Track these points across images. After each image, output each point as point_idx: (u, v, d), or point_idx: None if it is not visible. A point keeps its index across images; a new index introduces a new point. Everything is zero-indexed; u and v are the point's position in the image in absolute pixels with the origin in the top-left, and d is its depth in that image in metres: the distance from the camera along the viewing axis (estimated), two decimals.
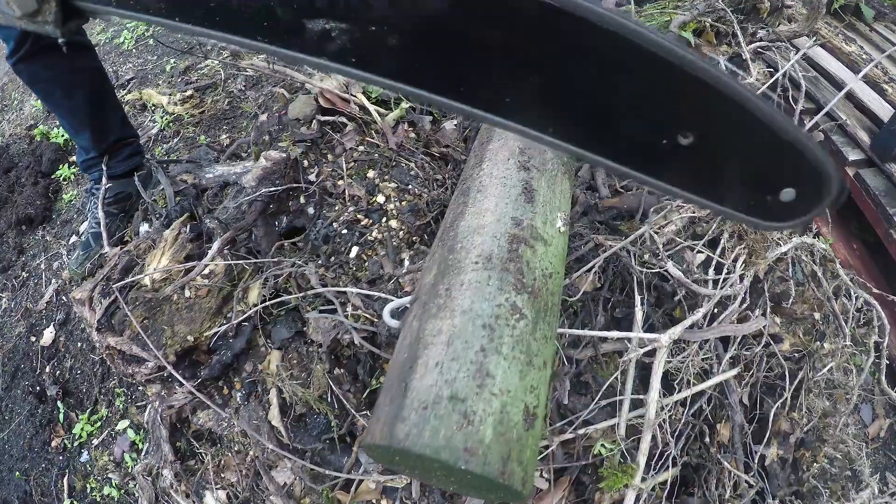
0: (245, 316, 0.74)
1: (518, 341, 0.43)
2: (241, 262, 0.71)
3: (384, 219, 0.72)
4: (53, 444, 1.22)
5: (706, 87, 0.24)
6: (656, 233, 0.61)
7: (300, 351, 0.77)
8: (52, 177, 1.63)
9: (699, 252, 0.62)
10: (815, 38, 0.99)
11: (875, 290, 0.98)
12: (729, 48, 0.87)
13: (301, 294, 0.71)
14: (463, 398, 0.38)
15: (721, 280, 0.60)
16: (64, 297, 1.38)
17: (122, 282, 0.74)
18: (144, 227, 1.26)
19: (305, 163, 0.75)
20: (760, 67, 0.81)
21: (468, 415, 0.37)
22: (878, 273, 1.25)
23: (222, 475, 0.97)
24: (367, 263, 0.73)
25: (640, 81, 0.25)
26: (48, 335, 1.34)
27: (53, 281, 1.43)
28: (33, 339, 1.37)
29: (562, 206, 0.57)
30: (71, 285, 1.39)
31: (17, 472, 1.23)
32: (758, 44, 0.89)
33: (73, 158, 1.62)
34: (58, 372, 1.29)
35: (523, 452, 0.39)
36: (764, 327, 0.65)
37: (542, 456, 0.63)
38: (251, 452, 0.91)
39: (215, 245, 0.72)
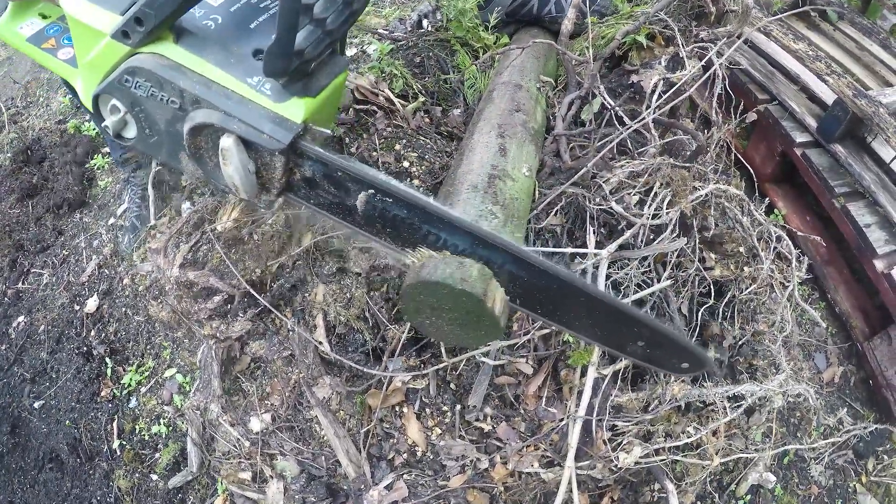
0: (299, 250, 1.10)
1: (493, 230, 0.80)
2: (297, 212, 1.08)
3: (409, 178, 1.09)
4: (102, 394, 1.55)
5: (648, 326, 0.70)
6: (604, 182, 0.97)
7: (342, 283, 1.13)
8: (87, 166, 2.00)
9: (635, 195, 0.98)
10: (743, 38, 1.38)
11: (801, 234, 1.36)
12: (673, 48, 1.27)
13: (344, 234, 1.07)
14: None
15: (651, 213, 0.96)
16: (106, 271, 1.73)
17: (207, 226, 1.10)
18: (186, 205, 1.62)
19: (347, 140, 1.13)
20: (696, 64, 1.20)
21: (463, 262, 0.72)
22: (829, 239, 1.62)
23: (266, 401, 1.30)
24: None
25: (618, 321, 0.71)
26: (92, 303, 1.69)
27: (94, 257, 1.78)
28: (76, 308, 1.71)
29: (527, 160, 0.95)
30: (113, 260, 1.74)
31: (67, 422, 1.55)
32: (698, 44, 1.28)
33: (106, 149, 2.00)
34: (103, 335, 1.63)
35: (497, 293, 0.74)
36: (691, 250, 1.01)
37: (521, 345, 0.98)
38: (294, 377, 1.25)
39: (279, 201, 1.09)
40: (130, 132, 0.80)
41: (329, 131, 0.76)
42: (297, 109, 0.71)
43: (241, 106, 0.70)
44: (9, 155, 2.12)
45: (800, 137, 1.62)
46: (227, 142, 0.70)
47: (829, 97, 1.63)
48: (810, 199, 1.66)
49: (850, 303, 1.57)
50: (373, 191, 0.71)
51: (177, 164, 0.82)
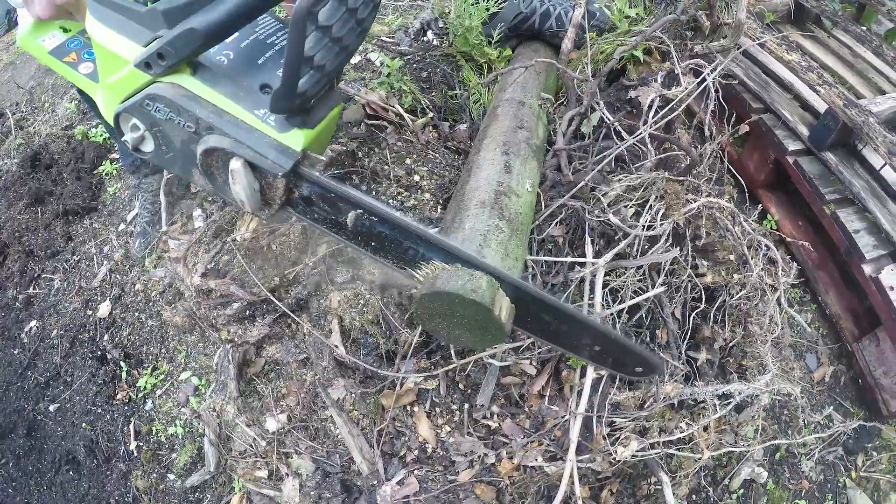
0: (315, 259, 1.21)
1: (500, 242, 0.91)
2: (314, 224, 1.19)
3: (419, 192, 1.20)
4: (119, 397, 1.65)
5: (604, 334, 0.88)
6: (602, 195, 1.08)
7: (356, 291, 1.24)
8: (95, 172, 2.10)
9: (631, 207, 1.09)
10: (739, 50, 1.49)
11: (789, 239, 1.49)
12: (669, 64, 1.38)
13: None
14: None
15: (645, 224, 1.08)
16: (118, 276, 1.83)
17: (226, 236, 1.20)
18: (198, 212, 1.73)
19: (359, 153, 1.24)
20: (690, 80, 1.31)
21: (473, 273, 0.83)
22: (820, 244, 1.74)
23: (281, 402, 1.41)
24: None
25: (595, 335, 0.87)
26: (104, 308, 1.79)
27: (106, 262, 1.88)
28: (89, 312, 1.81)
29: (530, 176, 1.07)
30: (124, 265, 1.84)
31: (84, 424, 1.65)
32: (693, 60, 1.39)
33: (115, 155, 2.10)
34: (116, 339, 1.73)
35: (503, 301, 0.85)
36: (683, 258, 1.12)
37: (526, 348, 1.09)
38: (309, 379, 1.36)
39: (291, 216, 1.20)
40: (148, 147, 0.93)
41: (324, 158, 0.90)
42: (297, 139, 0.84)
43: (249, 134, 0.83)
44: (16, 160, 2.21)
45: (792, 146, 1.74)
46: (236, 164, 0.84)
47: (821, 106, 1.75)
48: (802, 206, 1.78)
49: (840, 305, 1.69)
50: (360, 210, 0.83)
51: (189, 177, 0.96)
